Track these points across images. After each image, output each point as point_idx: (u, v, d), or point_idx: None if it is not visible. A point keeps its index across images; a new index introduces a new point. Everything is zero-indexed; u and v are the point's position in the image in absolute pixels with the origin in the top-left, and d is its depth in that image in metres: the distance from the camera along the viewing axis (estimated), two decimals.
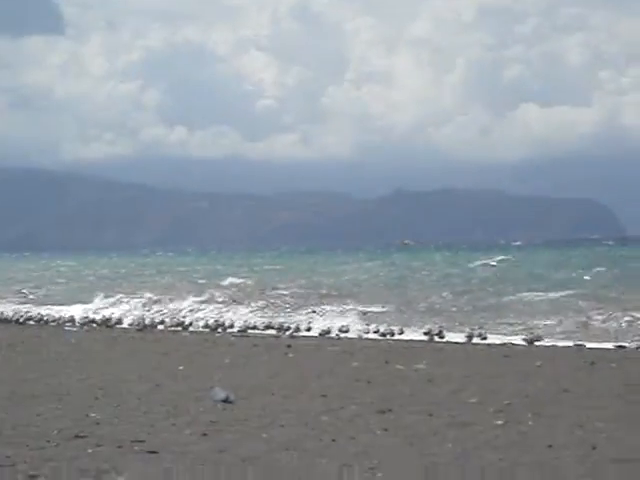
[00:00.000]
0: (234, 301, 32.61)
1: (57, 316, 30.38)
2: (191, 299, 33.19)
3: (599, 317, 25.23)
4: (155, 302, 33.14)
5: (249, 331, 26.23)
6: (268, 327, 26.67)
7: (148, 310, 31.22)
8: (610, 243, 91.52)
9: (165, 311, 30.90)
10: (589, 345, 21.58)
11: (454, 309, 28.98)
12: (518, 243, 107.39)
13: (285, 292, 36.47)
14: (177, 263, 73.88)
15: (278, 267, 59.34)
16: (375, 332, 24.98)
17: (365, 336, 24.63)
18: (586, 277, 38.23)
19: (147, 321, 28.50)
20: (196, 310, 31.18)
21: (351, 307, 29.31)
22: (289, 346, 21.24)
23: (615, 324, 24.19)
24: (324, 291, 36.34)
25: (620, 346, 21.14)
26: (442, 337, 23.75)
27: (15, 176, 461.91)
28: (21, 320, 30.18)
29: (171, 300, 33.33)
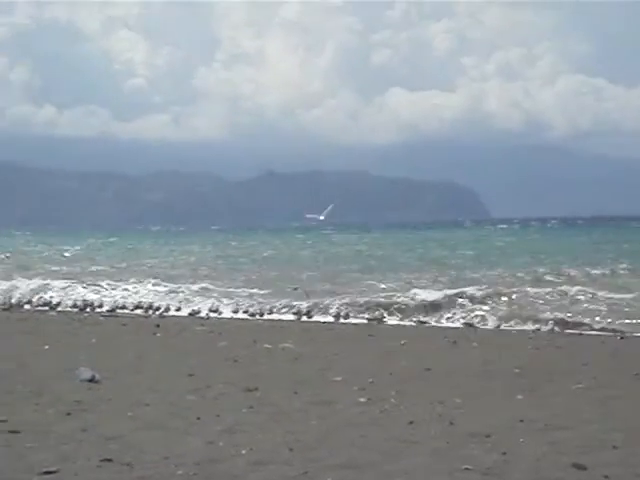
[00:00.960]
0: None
1: None
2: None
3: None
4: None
5: (118, 311, 25.98)
6: (137, 307, 26.49)
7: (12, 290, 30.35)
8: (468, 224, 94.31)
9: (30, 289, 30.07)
10: (453, 325, 22.24)
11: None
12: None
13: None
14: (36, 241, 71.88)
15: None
16: (244, 312, 25.10)
17: (235, 316, 24.73)
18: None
19: (13, 300, 27.95)
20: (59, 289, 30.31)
21: (218, 287, 29.18)
22: (157, 326, 21.14)
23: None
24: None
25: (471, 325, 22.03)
26: (310, 317, 24.08)
27: None
28: None
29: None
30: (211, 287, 29.00)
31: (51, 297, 28.46)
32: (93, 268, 38.29)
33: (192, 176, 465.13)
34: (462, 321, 22.78)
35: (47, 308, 27.08)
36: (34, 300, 28.11)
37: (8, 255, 45.98)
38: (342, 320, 23.50)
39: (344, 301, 25.06)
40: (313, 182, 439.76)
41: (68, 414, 10.09)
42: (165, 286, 29.56)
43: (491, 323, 22.23)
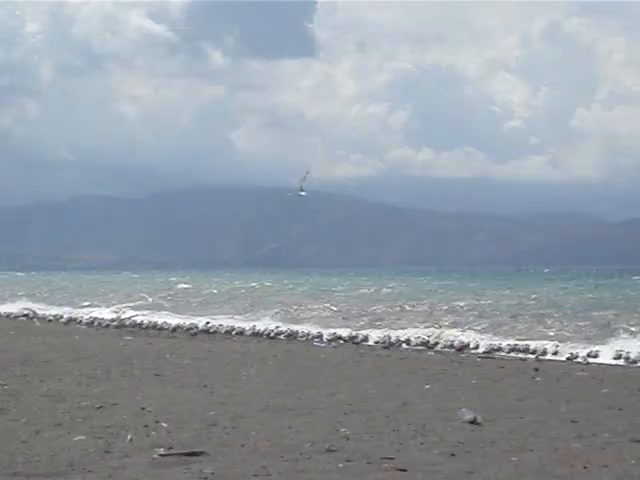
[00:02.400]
0: None
1: (306, 332, 31.22)
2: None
3: None
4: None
5: (494, 353, 26.00)
6: (513, 349, 26.35)
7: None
8: None
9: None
10: None
11: None
12: None
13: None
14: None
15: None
16: (625, 359, 24.17)
17: (615, 362, 23.88)
18: None
19: (392, 339, 28.84)
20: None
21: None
22: (536, 369, 20.91)
23: None
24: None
25: None
26: None
27: (265, 194, 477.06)
28: (272, 335, 31.23)
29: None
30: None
31: (428, 336, 29.11)
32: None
33: (568, 217, 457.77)
34: None
35: (424, 348, 27.65)
36: (412, 339, 28.82)
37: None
38: None
39: None
40: None
41: (452, 455, 10.16)
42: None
43: None
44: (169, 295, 57.14)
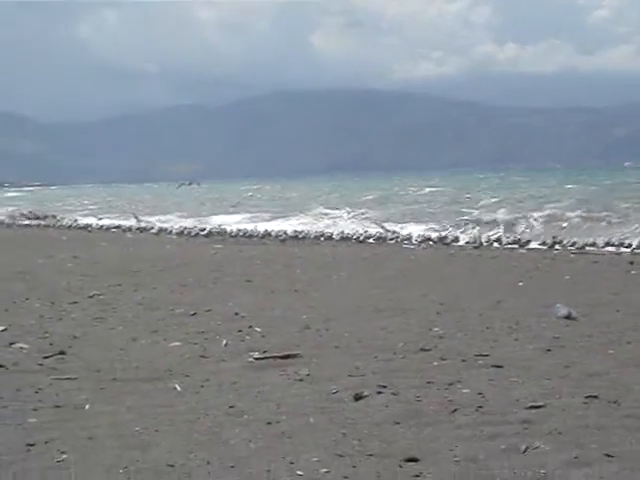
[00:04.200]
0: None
1: (396, 234, 31.14)
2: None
3: None
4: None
5: (587, 248, 25.58)
6: (607, 244, 25.89)
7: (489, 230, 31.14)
8: None
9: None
10: None
11: None
12: None
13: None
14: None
15: None
16: None
17: None
18: None
19: (483, 239, 28.59)
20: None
21: None
22: (631, 263, 20.55)
23: None
24: None
25: None
26: None
27: (347, 97, 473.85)
28: (361, 238, 31.21)
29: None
30: None
31: (524, 231, 28.95)
32: None
33: None
34: None
35: (517, 246, 27.32)
36: (503, 238, 28.53)
37: None
38: None
39: None
40: None
41: (548, 350, 10.05)
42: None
43: None
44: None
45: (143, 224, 41.69)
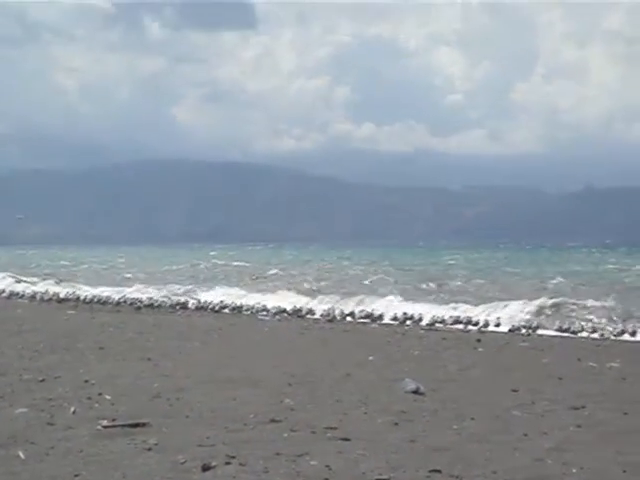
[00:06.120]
0: None
1: (251, 305, 31.26)
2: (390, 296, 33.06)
3: None
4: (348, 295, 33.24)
5: (437, 325, 26.22)
6: (457, 322, 26.58)
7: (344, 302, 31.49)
8: None
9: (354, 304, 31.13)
10: None
11: None
12: None
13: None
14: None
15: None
16: (565, 330, 24.48)
17: (558, 334, 24.18)
18: None
19: (337, 312, 28.94)
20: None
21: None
22: (478, 340, 21.18)
23: None
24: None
25: None
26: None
27: (207, 169, 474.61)
28: (216, 308, 31.19)
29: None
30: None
31: (373, 310, 29.24)
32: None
33: (508, 190, 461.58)
34: None
35: (369, 320, 27.82)
36: (356, 312, 28.95)
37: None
38: None
39: None
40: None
41: (395, 424, 10.26)
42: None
43: None
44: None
45: None
